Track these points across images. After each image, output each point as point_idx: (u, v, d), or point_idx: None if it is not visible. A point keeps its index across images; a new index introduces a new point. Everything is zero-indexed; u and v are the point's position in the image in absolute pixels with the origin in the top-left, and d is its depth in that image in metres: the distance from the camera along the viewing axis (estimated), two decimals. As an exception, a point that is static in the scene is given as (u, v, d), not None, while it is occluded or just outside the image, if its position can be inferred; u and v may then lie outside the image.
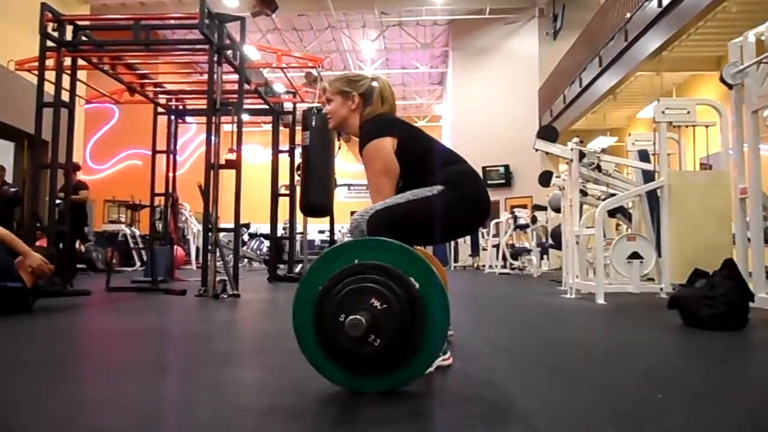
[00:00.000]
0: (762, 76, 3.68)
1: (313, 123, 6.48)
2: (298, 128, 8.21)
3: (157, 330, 3.16)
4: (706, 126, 5.33)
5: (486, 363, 2.18)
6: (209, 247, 5.11)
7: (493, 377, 1.91)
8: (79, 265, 9.29)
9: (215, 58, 5.34)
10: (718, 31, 8.22)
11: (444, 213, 2.01)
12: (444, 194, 2.01)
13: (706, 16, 7.65)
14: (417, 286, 1.58)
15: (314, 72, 7.70)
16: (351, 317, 1.49)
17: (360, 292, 1.55)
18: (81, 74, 6.35)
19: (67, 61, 5.67)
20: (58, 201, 5.64)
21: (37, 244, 4.87)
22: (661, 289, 4.81)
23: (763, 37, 3.59)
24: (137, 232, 11.62)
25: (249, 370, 2.08)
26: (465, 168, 2.14)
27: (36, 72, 5.54)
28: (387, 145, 2.04)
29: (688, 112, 4.88)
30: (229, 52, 5.69)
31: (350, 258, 1.62)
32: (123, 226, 11.75)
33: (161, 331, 3.15)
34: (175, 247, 7.94)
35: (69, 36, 5.51)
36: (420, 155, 2.09)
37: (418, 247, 2.04)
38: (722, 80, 3.82)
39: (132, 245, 11.11)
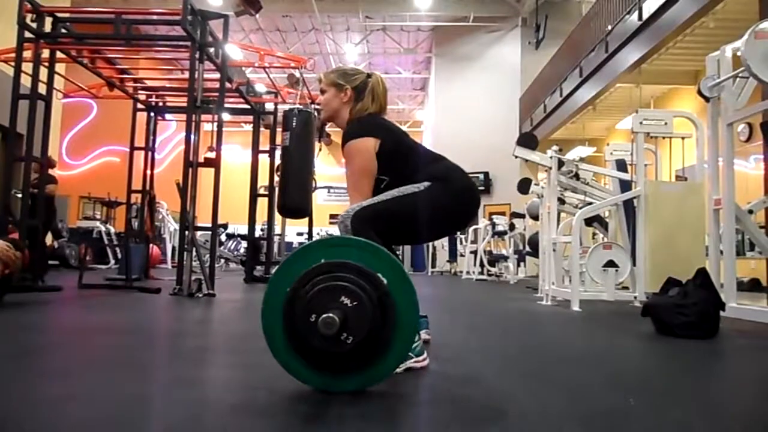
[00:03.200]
0: (738, 90, 3.75)
1: (294, 124, 6.44)
2: (279, 129, 8.18)
3: (128, 327, 3.10)
4: (683, 138, 5.42)
5: (461, 366, 2.18)
6: (185, 246, 5.05)
7: (468, 379, 1.91)
8: (51, 261, 9.14)
9: (197, 56, 5.29)
10: (696, 45, 8.39)
11: (432, 208, 2.03)
12: (431, 190, 2.02)
13: (685, 31, 7.81)
14: (385, 282, 1.57)
15: (296, 73, 7.68)
16: (324, 315, 1.47)
17: (329, 291, 1.53)
18: (59, 67, 6.24)
19: (45, 53, 5.58)
20: (19, 194, 5.52)
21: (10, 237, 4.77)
22: (635, 297, 4.87)
23: (739, 52, 3.65)
24: (112, 230, 11.46)
25: (220, 368, 2.05)
26: (449, 164, 2.16)
27: (12, 63, 5.44)
28: (369, 145, 2.06)
29: (666, 124, 4.95)
30: (212, 49, 5.64)
31: (317, 258, 1.60)
32: (98, 223, 11.57)
33: (132, 328, 3.10)
34: (151, 245, 7.84)
35: (48, 27, 5.42)
36: (404, 156, 2.11)
37: None
38: (699, 93, 3.88)
39: (107, 242, 10.95)
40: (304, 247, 1.69)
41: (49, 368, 1.91)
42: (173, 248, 11.81)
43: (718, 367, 2.48)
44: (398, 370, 1.87)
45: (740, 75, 3.57)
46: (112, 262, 10.67)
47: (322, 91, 2.23)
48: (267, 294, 1.63)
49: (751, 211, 3.84)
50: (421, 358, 1.95)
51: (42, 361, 2.03)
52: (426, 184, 2.04)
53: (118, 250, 10.48)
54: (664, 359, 2.56)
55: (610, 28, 9.56)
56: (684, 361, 2.47)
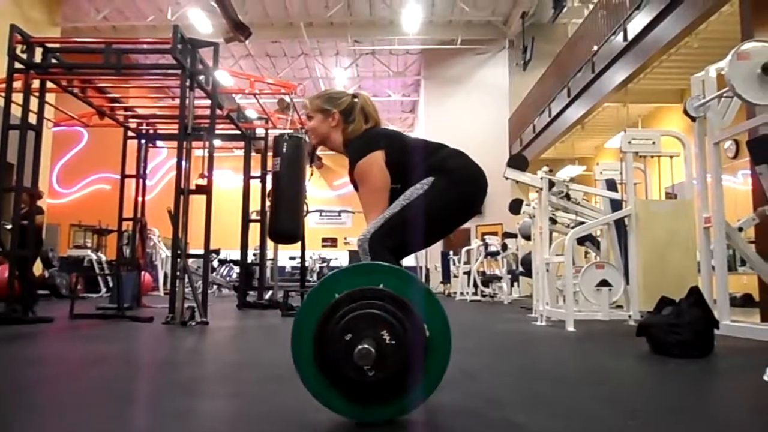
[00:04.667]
0: (723, 109, 3.81)
1: (285, 149, 6.47)
2: (270, 154, 8.21)
3: (122, 358, 3.07)
4: (671, 156, 5.48)
5: (458, 391, 2.16)
6: (178, 274, 5.02)
7: (464, 405, 1.90)
8: (41, 291, 9.05)
9: (187, 83, 5.32)
10: (680, 65, 8.51)
11: (441, 205, 2.03)
12: (434, 186, 2.03)
13: (669, 51, 7.92)
14: (428, 334, 1.56)
15: (286, 99, 7.72)
16: (361, 347, 1.46)
17: (375, 319, 1.52)
18: (50, 97, 6.25)
19: (36, 84, 5.59)
20: (8, 225, 5.49)
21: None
22: (630, 316, 4.87)
23: (723, 72, 3.71)
24: (103, 258, 11.38)
25: (215, 399, 2.03)
26: (450, 152, 2.15)
27: (2, 94, 5.44)
28: (378, 159, 2.04)
29: (654, 143, 5.01)
30: (202, 77, 5.68)
31: (376, 280, 1.58)
32: (89, 251, 11.49)
33: (126, 359, 3.07)
34: (143, 273, 7.79)
35: (38, 58, 5.44)
36: (410, 157, 2.10)
37: None
38: (686, 113, 3.94)
39: (98, 271, 10.87)
40: (371, 264, 1.70)
41: (44, 403, 1.88)
42: (165, 275, 11.74)
43: (714, 386, 2.48)
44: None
45: (725, 95, 3.62)
46: (104, 290, 10.57)
47: (309, 117, 2.22)
48: (310, 295, 1.62)
49: (740, 229, 3.87)
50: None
51: (36, 397, 2.00)
52: (429, 180, 2.03)
53: (109, 278, 10.38)
54: (660, 380, 2.56)
55: (596, 48, 9.70)
56: (680, 381, 2.47)
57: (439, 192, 2.02)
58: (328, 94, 2.25)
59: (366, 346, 1.46)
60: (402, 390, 1.56)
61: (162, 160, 17.41)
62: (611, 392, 2.20)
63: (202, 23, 13.62)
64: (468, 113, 16.06)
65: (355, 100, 2.19)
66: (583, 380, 2.48)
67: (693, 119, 3.92)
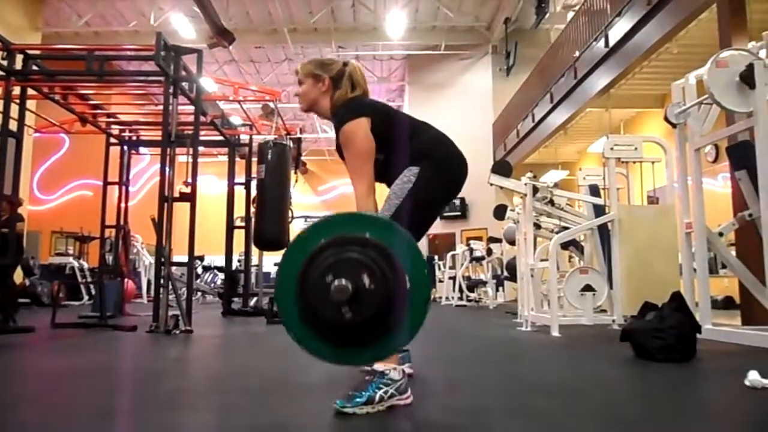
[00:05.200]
0: (703, 115, 3.87)
1: (269, 157, 6.45)
2: (255, 159, 8.18)
3: (105, 369, 3.04)
4: (653, 162, 5.54)
5: (443, 400, 2.17)
6: (161, 282, 4.98)
7: (449, 415, 1.90)
8: (22, 300, 8.93)
9: (171, 90, 5.29)
10: (661, 70, 8.64)
11: (431, 192, 2.12)
12: (422, 175, 2.09)
13: (650, 57, 8.03)
14: (408, 285, 1.60)
15: (271, 105, 7.71)
16: (338, 281, 1.51)
17: (355, 262, 1.57)
18: (30, 103, 6.19)
19: (16, 90, 5.52)
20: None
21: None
22: (614, 320, 4.92)
23: (703, 79, 3.77)
24: (86, 265, 11.26)
25: (201, 412, 2.02)
26: (434, 135, 2.23)
27: (-18, 101, 5.37)
28: (362, 125, 2.08)
29: (636, 149, 5.07)
30: (185, 84, 5.65)
31: (363, 229, 1.63)
32: (71, 259, 11.37)
33: (109, 370, 3.04)
34: (126, 280, 7.72)
35: (19, 65, 5.38)
36: (394, 130, 2.16)
37: None
38: (666, 120, 3.99)
39: (80, 278, 10.75)
40: (360, 214, 1.77)
41: (27, 422, 1.85)
42: (148, 282, 11.64)
43: (697, 392, 2.51)
44: (381, 407, 1.86)
45: (704, 102, 3.68)
46: (86, 298, 10.46)
47: (300, 83, 2.27)
48: (298, 238, 1.67)
49: (721, 234, 3.93)
50: (404, 396, 1.94)
51: (19, 415, 1.96)
52: (415, 171, 2.09)
53: (91, 286, 10.27)
54: (644, 385, 2.58)
55: (578, 54, 9.80)
56: (664, 386, 2.49)
57: (426, 183, 2.09)
58: (319, 60, 2.30)
59: (344, 281, 1.51)
60: (378, 336, 1.61)
61: (145, 166, 17.28)
62: (597, 400, 2.21)
63: (186, 28, 13.56)
64: (452, 118, 16.03)
65: (346, 67, 2.25)
66: (567, 387, 2.50)
67: (674, 126, 3.97)
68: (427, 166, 2.11)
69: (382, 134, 2.12)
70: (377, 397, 1.86)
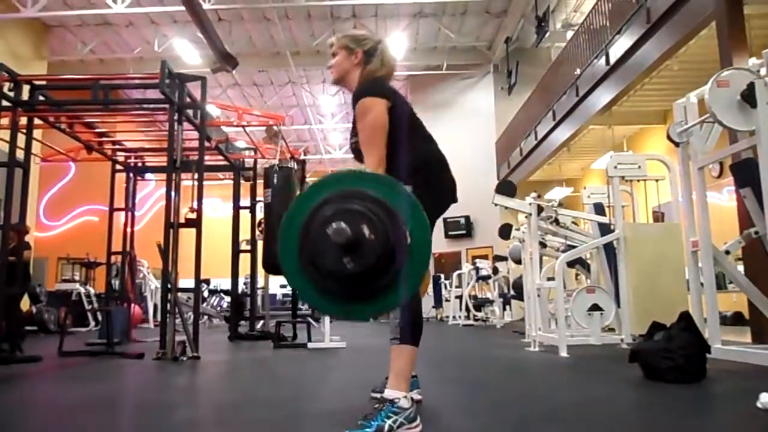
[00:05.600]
0: (706, 134, 3.88)
1: (275, 181, 6.49)
2: (260, 181, 8.22)
3: (112, 401, 3.03)
4: (657, 180, 5.54)
5: (452, 428, 2.16)
6: (168, 310, 4.99)
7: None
8: (29, 327, 8.93)
9: (176, 117, 5.34)
10: (663, 87, 8.68)
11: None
12: (413, 192, 2.05)
13: (651, 74, 8.07)
14: (409, 240, 1.64)
15: (275, 128, 7.76)
16: (336, 224, 1.56)
17: (356, 213, 1.60)
18: (36, 132, 6.24)
19: (23, 120, 5.58)
20: None
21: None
22: (622, 339, 4.89)
23: (704, 97, 3.78)
24: (92, 291, 11.27)
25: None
26: (432, 157, 2.28)
27: (-10, 132, 5.44)
28: (381, 104, 2.14)
29: (639, 167, 5.08)
30: (190, 111, 5.70)
31: (364, 185, 1.69)
32: (77, 285, 11.38)
33: (117, 401, 3.03)
34: (132, 305, 7.72)
35: (25, 95, 5.44)
36: (403, 126, 2.20)
37: None
38: (669, 138, 4.00)
39: (87, 305, 10.75)
40: (361, 173, 1.83)
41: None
42: (155, 306, 11.63)
43: (708, 415, 2.48)
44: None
45: (706, 120, 3.69)
46: (93, 324, 10.45)
47: (334, 55, 2.36)
48: (303, 195, 1.75)
49: (728, 252, 3.91)
50: (414, 425, 1.93)
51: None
52: (408, 189, 2.07)
53: (98, 312, 10.26)
54: (655, 408, 2.56)
55: (579, 72, 9.85)
56: (676, 409, 2.47)
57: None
58: (354, 34, 2.40)
59: (342, 225, 1.56)
60: (379, 288, 1.64)
61: (150, 190, 17.37)
62: (607, 425, 2.20)
63: (189, 54, 13.72)
64: (455, 137, 16.12)
65: (379, 45, 2.36)
66: (577, 409, 2.48)
67: (676, 145, 3.98)
68: (419, 184, 2.12)
69: (394, 124, 2.16)
70: (386, 427, 1.86)
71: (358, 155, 2.23)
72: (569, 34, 12.27)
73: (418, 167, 2.16)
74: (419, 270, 1.69)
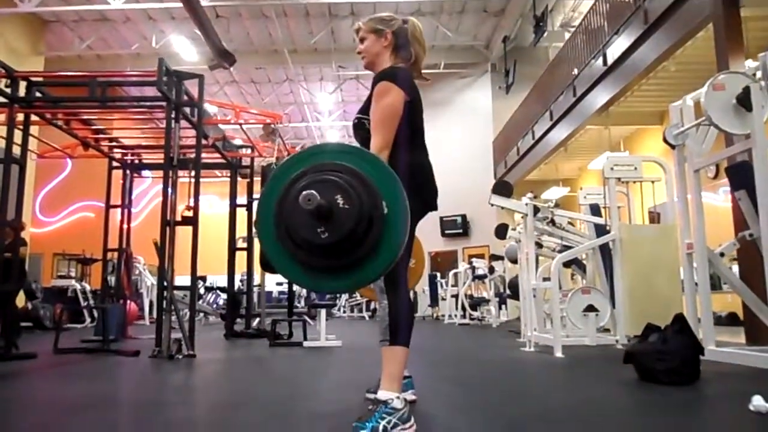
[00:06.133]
0: (702, 136, 3.89)
1: (272, 179, 6.48)
2: (257, 179, 8.21)
3: (108, 399, 3.04)
4: (653, 181, 5.56)
5: (447, 429, 2.17)
6: (164, 308, 4.98)
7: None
8: (25, 323, 8.92)
9: (173, 115, 5.33)
10: (660, 88, 8.70)
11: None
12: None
13: (648, 75, 8.09)
14: (385, 210, 1.66)
15: (272, 125, 7.75)
16: (306, 191, 1.56)
17: (330, 184, 1.62)
18: (33, 128, 6.23)
19: (20, 117, 5.57)
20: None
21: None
22: (617, 340, 4.90)
23: (701, 100, 3.80)
24: (88, 287, 11.25)
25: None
26: (423, 162, 2.27)
27: (-14, 128, 5.42)
28: (400, 94, 2.12)
29: (635, 169, 5.09)
30: (187, 108, 5.69)
31: (341, 158, 1.71)
32: (73, 281, 11.37)
33: (112, 400, 3.03)
34: (128, 302, 7.71)
35: (22, 92, 5.43)
36: (409, 124, 2.18)
37: None
38: (666, 141, 4.01)
39: (82, 301, 10.74)
40: (305, 151, 1.82)
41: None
42: (151, 303, 11.62)
43: (701, 417, 2.50)
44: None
45: (702, 123, 3.70)
46: (88, 320, 10.44)
47: (362, 40, 2.31)
48: (276, 171, 1.76)
49: (722, 254, 3.93)
50: (408, 425, 1.94)
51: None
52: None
53: (94, 309, 10.25)
54: (650, 409, 2.57)
55: (576, 72, 9.87)
56: (669, 411, 2.48)
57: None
58: (380, 16, 2.35)
59: (313, 192, 1.57)
60: (356, 260, 1.66)
61: (146, 187, 17.35)
62: (601, 427, 2.21)
63: (187, 51, 13.70)
64: (453, 136, 16.22)
65: (405, 25, 2.31)
66: (571, 410, 2.49)
67: (673, 147, 4.00)
68: (406, 185, 2.12)
69: (405, 119, 2.14)
70: (381, 428, 1.87)
71: (359, 131, 2.25)
72: (567, 34, 12.29)
73: (413, 172, 2.16)
74: (396, 240, 1.68)
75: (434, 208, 2.30)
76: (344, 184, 1.62)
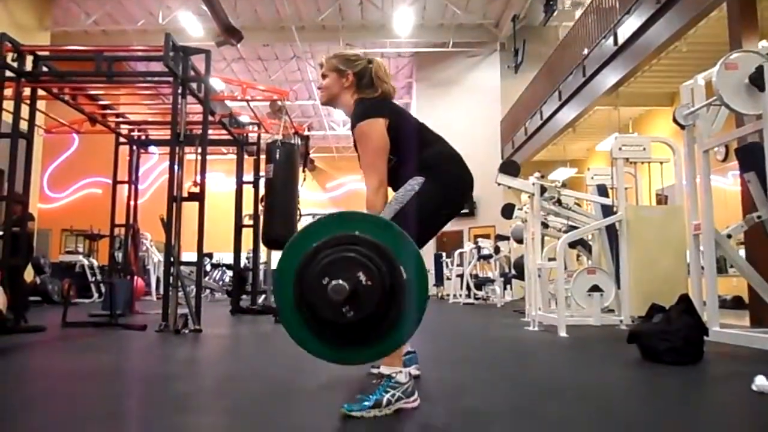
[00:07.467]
0: (712, 117, 3.85)
1: (278, 156, 6.48)
2: (263, 156, 8.20)
3: (115, 371, 3.07)
4: (661, 162, 5.52)
5: (450, 403, 2.18)
6: (171, 283, 5.02)
7: (456, 419, 1.92)
8: (33, 298, 9.01)
9: (179, 91, 5.32)
10: (670, 68, 8.59)
11: (432, 205, 2.11)
12: (425, 186, 2.10)
13: (659, 55, 7.99)
14: (405, 276, 1.63)
15: (279, 102, 7.72)
16: (335, 282, 1.55)
17: (350, 262, 1.60)
18: (40, 104, 6.24)
19: (26, 91, 5.57)
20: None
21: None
22: (621, 321, 4.91)
23: (712, 80, 3.75)
24: (95, 263, 11.33)
25: (208, 416, 2.04)
26: (442, 151, 2.23)
27: (-7, 102, 5.41)
28: (379, 124, 2.12)
29: (644, 149, 5.05)
30: (194, 84, 5.67)
31: (351, 227, 1.67)
32: (81, 257, 11.45)
33: (119, 372, 3.07)
34: (135, 278, 7.77)
35: (29, 66, 5.42)
36: (409, 137, 2.18)
37: None
38: (675, 121, 3.97)
39: (90, 276, 10.82)
40: (345, 213, 1.77)
41: (36, 426, 1.88)
42: (158, 279, 11.71)
43: (704, 396, 2.51)
44: (388, 411, 1.88)
45: (713, 103, 3.66)
46: (96, 295, 10.53)
47: (324, 76, 2.30)
48: (289, 245, 1.71)
49: (729, 236, 3.91)
50: (411, 399, 1.96)
51: (29, 418, 1.99)
52: (420, 180, 2.11)
53: (101, 284, 10.33)
54: (652, 389, 2.58)
55: (586, 52, 9.76)
56: (672, 390, 2.49)
57: (429, 195, 2.09)
58: (344, 55, 2.34)
59: (340, 281, 1.55)
60: (381, 332, 1.65)
61: (153, 163, 17.36)
62: (604, 403, 2.22)
63: (194, 27, 13.61)
64: (460, 115, 16.11)
65: (370, 65, 2.29)
66: (575, 390, 2.50)
67: (682, 127, 3.96)
68: (432, 179, 2.12)
69: (396, 138, 2.14)
70: (384, 401, 1.88)
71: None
72: (578, 13, 12.13)
73: (428, 165, 2.14)
74: (420, 305, 1.68)
75: (465, 199, 2.26)
76: (362, 259, 1.60)
